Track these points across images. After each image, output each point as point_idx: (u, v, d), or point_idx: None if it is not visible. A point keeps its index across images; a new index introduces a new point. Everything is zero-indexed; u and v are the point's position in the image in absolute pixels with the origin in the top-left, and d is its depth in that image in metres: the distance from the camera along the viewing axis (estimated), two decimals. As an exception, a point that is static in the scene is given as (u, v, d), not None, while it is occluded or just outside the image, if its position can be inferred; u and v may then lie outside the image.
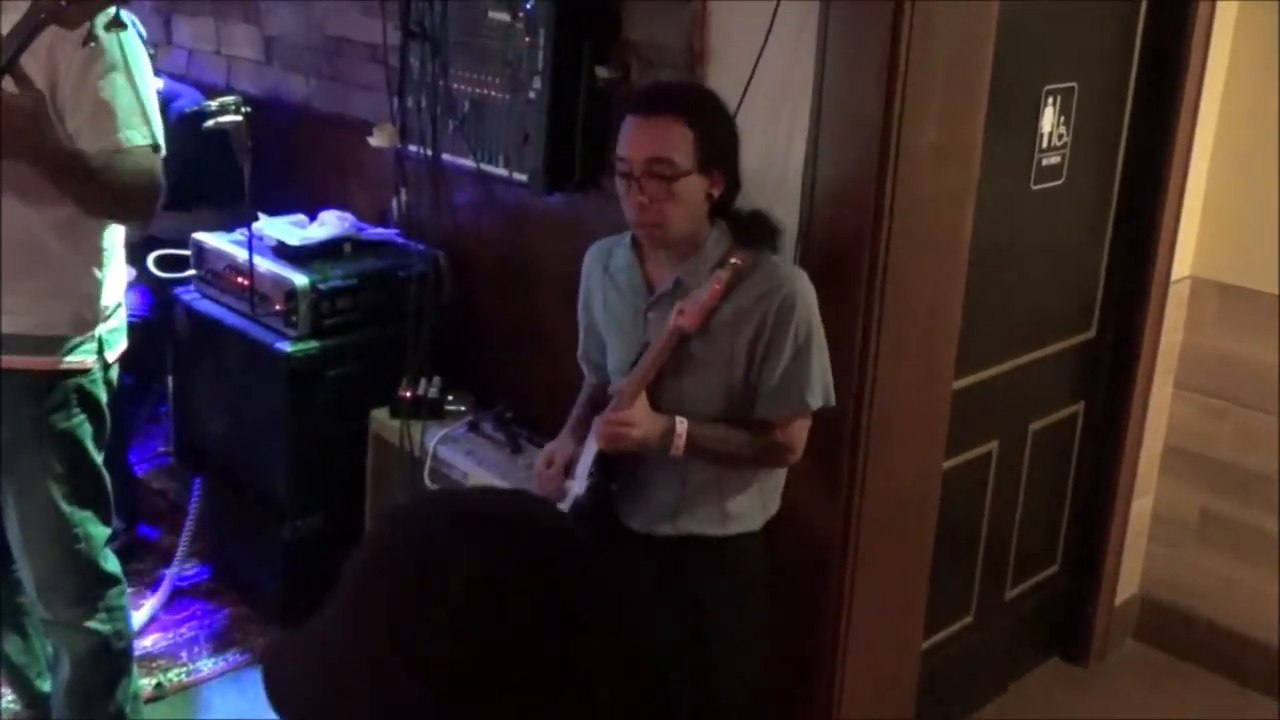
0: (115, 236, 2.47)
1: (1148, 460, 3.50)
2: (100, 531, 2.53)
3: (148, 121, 2.31)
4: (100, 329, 2.46)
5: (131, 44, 2.27)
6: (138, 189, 2.30)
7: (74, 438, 2.45)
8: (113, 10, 1.96)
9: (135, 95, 2.29)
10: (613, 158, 2.20)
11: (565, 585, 0.92)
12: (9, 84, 2.04)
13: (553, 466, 2.36)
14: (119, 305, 2.52)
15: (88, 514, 2.50)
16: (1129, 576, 3.61)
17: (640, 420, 2.17)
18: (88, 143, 2.22)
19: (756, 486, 2.32)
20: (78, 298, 2.41)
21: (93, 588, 2.54)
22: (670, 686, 1.07)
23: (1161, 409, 3.50)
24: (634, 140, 2.14)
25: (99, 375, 2.47)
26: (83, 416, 2.46)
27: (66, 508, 2.46)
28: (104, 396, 2.50)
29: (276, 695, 0.95)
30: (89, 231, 2.40)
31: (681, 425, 2.18)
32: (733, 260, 2.17)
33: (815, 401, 2.23)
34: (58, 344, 2.40)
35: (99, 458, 2.51)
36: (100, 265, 2.44)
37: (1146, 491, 3.57)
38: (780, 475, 2.37)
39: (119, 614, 2.61)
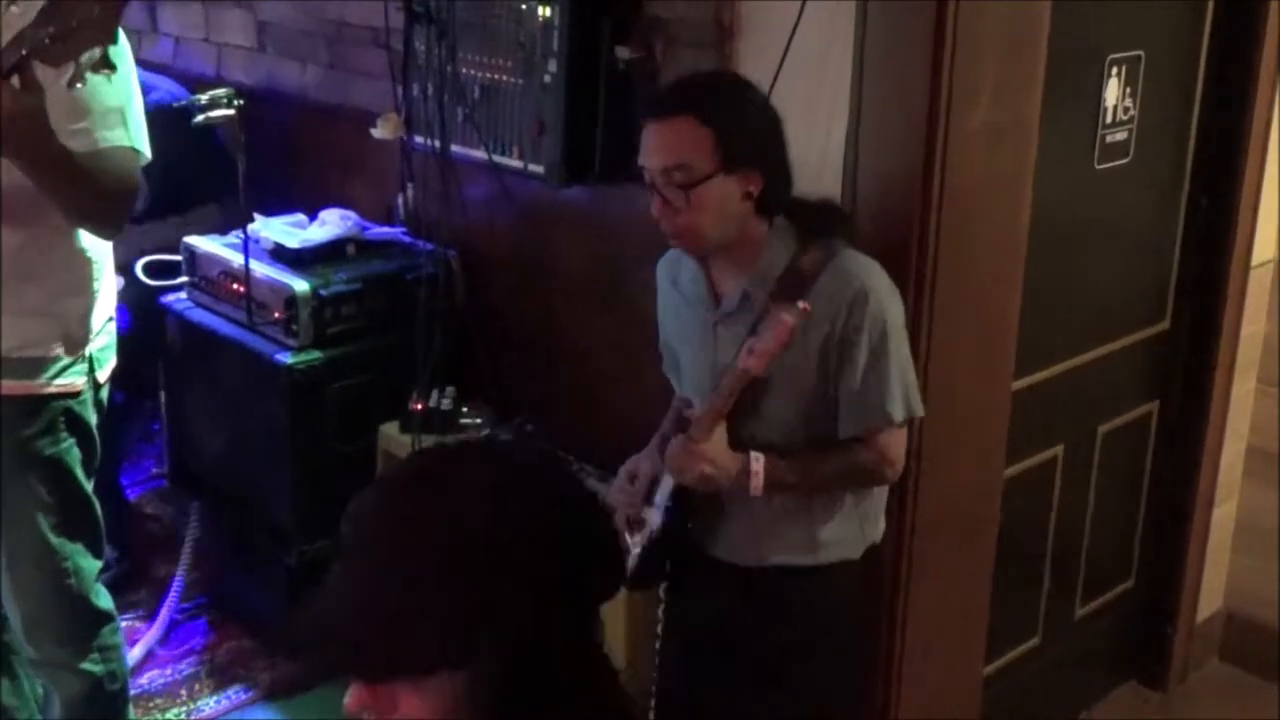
0: (105, 248, 2.49)
1: (1229, 463, 3.48)
2: (91, 565, 2.55)
3: (126, 124, 2.33)
4: (91, 347, 2.48)
5: (119, 47, 2.28)
6: (114, 192, 2.33)
7: (62, 465, 2.47)
8: (98, 51, 1.98)
9: (116, 94, 2.30)
10: (637, 141, 2.19)
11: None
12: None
13: (635, 483, 2.33)
14: (109, 320, 2.54)
15: (77, 546, 2.52)
16: (1211, 591, 3.58)
17: (714, 456, 2.15)
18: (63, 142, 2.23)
19: (852, 508, 2.27)
20: (66, 316, 2.43)
21: (84, 626, 2.56)
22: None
23: (1243, 407, 3.47)
24: (648, 147, 2.13)
25: (89, 397, 2.49)
26: (71, 441, 2.47)
27: (54, 540, 2.48)
28: (94, 419, 2.51)
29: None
30: (77, 245, 2.41)
31: (757, 463, 2.15)
32: (802, 305, 2.10)
33: (899, 414, 2.18)
34: (44, 365, 2.42)
35: (89, 486, 2.53)
36: (90, 280, 2.45)
37: (1228, 497, 3.54)
38: (881, 496, 2.33)
39: (113, 653, 2.62)
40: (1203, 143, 3.21)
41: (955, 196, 2.42)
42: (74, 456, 2.48)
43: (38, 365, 2.41)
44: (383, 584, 1.07)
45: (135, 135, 2.36)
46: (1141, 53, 2.95)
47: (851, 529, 2.29)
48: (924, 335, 2.47)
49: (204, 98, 3.21)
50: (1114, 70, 2.91)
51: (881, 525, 2.35)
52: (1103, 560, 3.37)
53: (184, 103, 3.30)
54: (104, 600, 2.60)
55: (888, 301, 2.16)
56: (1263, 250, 3.33)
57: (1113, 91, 2.93)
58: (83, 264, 2.45)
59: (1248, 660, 3.60)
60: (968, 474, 2.68)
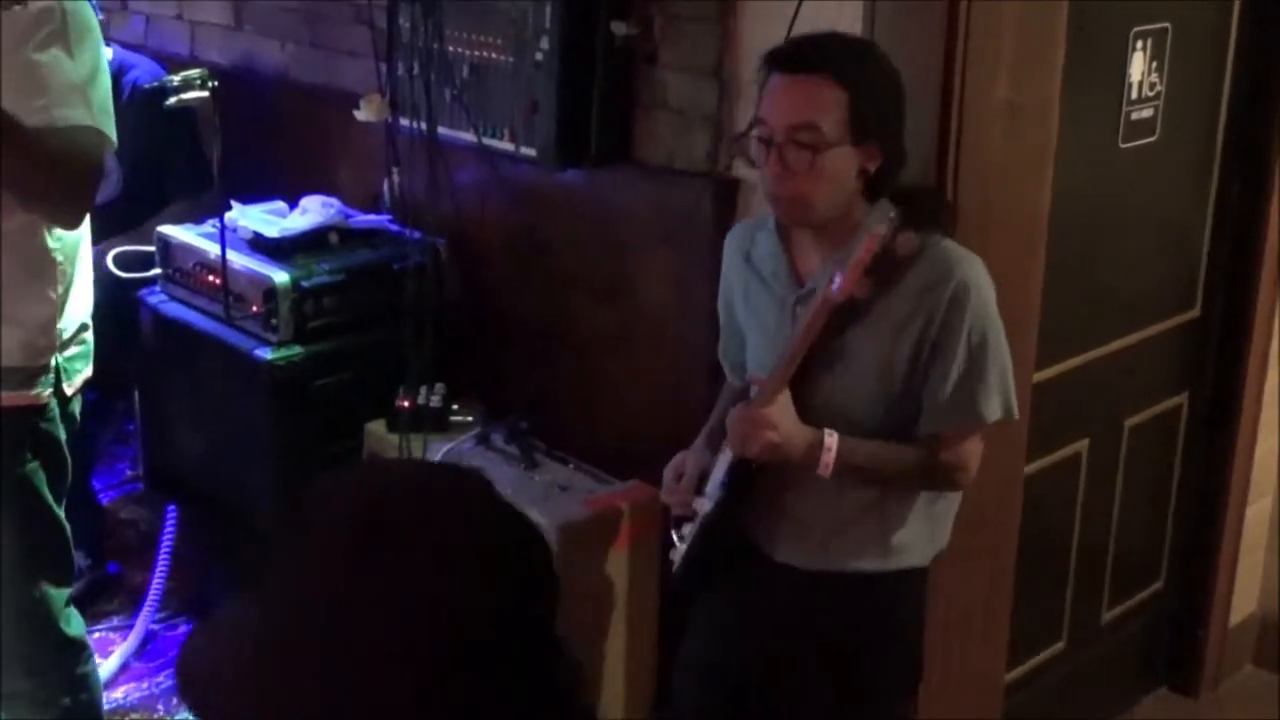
0: (78, 250, 2.47)
1: (1264, 458, 3.48)
2: (60, 593, 2.53)
3: (89, 103, 2.29)
4: (59, 356, 2.44)
5: (81, 15, 2.27)
6: (73, 176, 2.27)
7: (27, 486, 2.43)
8: None
9: (78, 72, 2.26)
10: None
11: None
12: None
13: (683, 480, 2.30)
14: (83, 327, 2.50)
15: (45, 573, 2.49)
16: (1245, 593, 3.59)
17: (781, 422, 2.10)
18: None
19: (925, 512, 2.26)
20: (29, 323, 2.39)
21: (53, 656, 2.54)
22: None
23: (1278, 399, 3.47)
24: (776, 102, 2.09)
25: (56, 413, 2.45)
26: (36, 463, 2.44)
27: (20, 568, 2.45)
28: (63, 435, 2.47)
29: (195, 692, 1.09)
30: (40, 243, 2.38)
31: (831, 438, 2.11)
32: (891, 215, 2.07)
33: (994, 414, 2.17)
34: (6, 377, 2.38)
35: (59, 508, 2.49)
36: (55, 284, 2.42)
37: (1264, 495, 3.54)
38: (954, 501, 2.31)
39: (83, 683, 2.60)
40: (1233, 120, 3.21)
41: (972, 177, 2.43)
42: (40, 478, 2.44)
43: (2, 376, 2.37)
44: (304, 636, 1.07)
45: (99, 116, 2.31)
46: (1168, 25, 2.95)
47: (922, 534, 2.27)
48: (940, 324, 2.46)
49: (177, 79, 3.20)
50: (1139, 44, 2.91)
51: (948, 533, 2.32)
52: (1130, 561, 3.38)
53: (156, 83, 3.30)
54: (75, 627, 2.58)
55: (989, 297, 2.15)
56: (1298, 232, 3.34)
57: (1138, 66, 2.93)
58: (48, 264, 2.40)
59: (1283, 665, 3.61)
60: (987, 471, 2.67)
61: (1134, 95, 2.94)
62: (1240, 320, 3.31)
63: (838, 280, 2.07)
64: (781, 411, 2.11)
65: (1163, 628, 3.52)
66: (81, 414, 2.60)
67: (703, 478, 2.28)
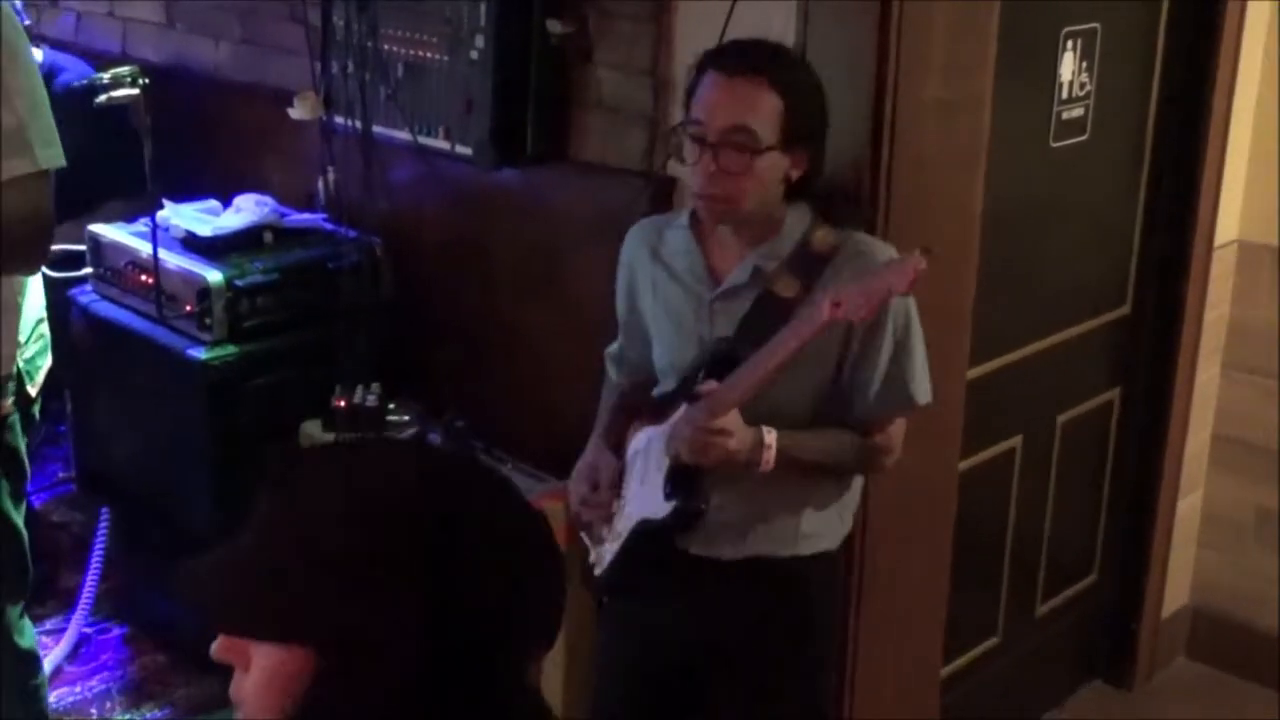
0: None
1: (1195, 452, 3.53)
2: (15, 605, 2.50)
3: (30, 145, 2.20)
4: (20, 360, 2.39)
5: (7, 39, 2.17)
6: (24, 233, 2.20)
7: None
8: None
9: (11, 112, 2.16)
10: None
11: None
12: None
13: (600, 490, 2.31)
14: (40, 321, 2.47)
15: (3, 587, 2.46)
16: (1177, 586, 3.63)
17: (737, 430, 2.12)
18: None
19: (836, 497, 2.31)
20: None
21: (6, 669, 2.51)
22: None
23: (1209, 393, 3.52)
24: (713, 101, 2.11)
25: (17, 420, 2.40)
26: None
27: None
28: (22, 443, 2.42)
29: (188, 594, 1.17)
30: None
31: (770, 436, 2.14)
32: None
33: (923, 396, 2.23)
34: None
35: (18, 515, 2.45)
36: (16, 294, 2.37)
37: (1194, 488, 3.59)
38: (858, 487, 2.36)
39: (35, 694, 2.57)
40: (1163, 119, 3.25)
41: (905, 175, 2.44)
42: (2, 488, 2.41)
43: None
44: (271, 542, 1.13)
45: (43, 153, 2.23)
46: (1098, 25, 2.98)
47: (832, 519, 2.32)
48: (873, 322, 2.48)
49: (106, 76, 3.17)
50: (1069, 44, 2.94)
51: (852, 517, 2.38)
52: (1064, 555, 3.41)
53: (86, 82, 3.26)
54: (27, 639, 2.55)
55: None
56: (1226, 230, 3.38)
57: (1068, 66, 2.96)
58: (11, 277, 2.35)
59: (1215, 657, 3.65)
60: (921, 467, 2.70)
61: (1065, 95, 2.97)
62: (1170, 317, 3.35)
63: (844, 309, 2.03)
64: (735, 419, 2.14)
65: (1097, 621, 3.56)
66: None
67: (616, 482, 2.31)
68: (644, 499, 2.26)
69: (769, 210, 2.17)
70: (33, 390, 2.44)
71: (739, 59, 2.14)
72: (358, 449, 1.25)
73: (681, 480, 2.22)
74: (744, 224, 2.19)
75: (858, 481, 2.36)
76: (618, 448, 2.35)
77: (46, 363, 2.50)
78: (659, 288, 2.31)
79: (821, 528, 2.30)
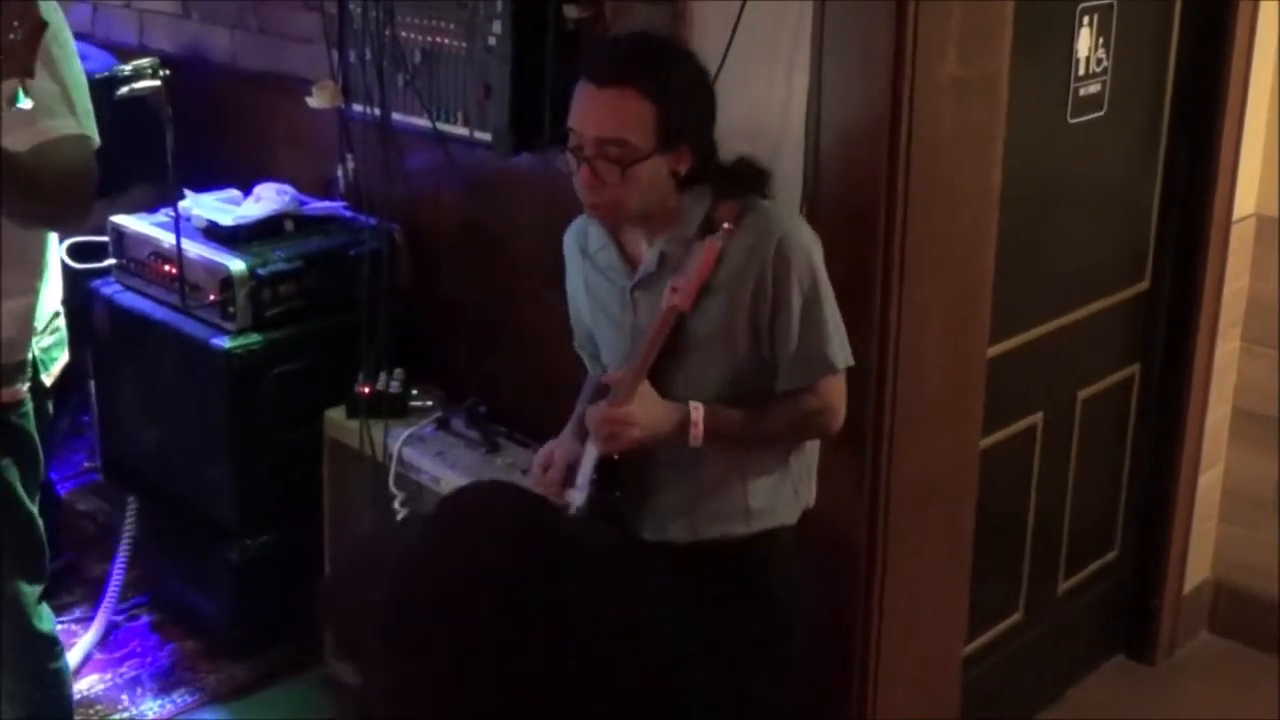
0: (50, 238, 2.44)
1: (1215, 427, 3.52)
2: (32, 590, 2.51)
3: (74, 108, 2.26)
4: (36, 348, 2.41)
5: (54, 25, 2.20)
6: (70, 187, 2.25)
7: (2, 483, 2.41)
8: (15, 84, 1.90)
9: (59, 81, 2.23)
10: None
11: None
12: None
13: (551, 470, 2.33)
14: (56, 314, 2.48)
15: (17, 570, 2.47)
16: (1199, 561, 3.63)
17: (641, 416, 2.16)
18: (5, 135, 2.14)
19: (782, 471, 2.31)
20: (6, 318, 2.35)
21: (24, 652, 2.52)
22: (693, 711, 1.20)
23: (1228, 367, 3.52)
24: (585, 114, 2.14)
25: (30, 406, 2.42)
26: (9, 459, 2.41)
27: None
28: (34, 428, 2.44)
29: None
30: (22, 238, 2.34)
31: (696, 411, 2.17)
32: (725, 225, 2.17)
33: (839, 358, 2.23)
34: None
35: (32, 504, 2.47)
36: (39, 275, 2.39)
37: (1215, 463, 3.59)
38: (812, 456, 2.37)
39: (55, 678, 2.59)
40: (1179, 94, 3.24)
41: (923, 153, 2.44)
42: (13, 474, 2.42)
43: None
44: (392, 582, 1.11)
45: (84, 121, 2.29)
46: (1113, 1, 2.98)
47: (786, 493, 2.33)
48: (894, 300, 2.49)
49: (128, 68, 3.19)
50: (1085, 19, 2.93)
51: (814, 488, 2.38)
52: (1085, 532, 3.41)
53: (108, 73, 3.28)
54: (46, 623, 2.56)
55: (812, 247, 2.21)
56: (1243, 204, 3.37)
57: (1084, 42, 2.95)
58: (30, 256, 2.36)
59: (1237, 631, 3.65)
60: (943, 445, 2.71)
61: (1081, 71, 2.97)
62: (1189, 292, 3.35)
63: (681, 294, 2.15)
64: (643, 404, 2.17)
65: (1118, 597, 3.56)
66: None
67: (571, 468, 2.32)
68: (581, 491, 2.29)
69: (663, 204, 2.19)
70: (47, 380, 2.46)
71: (608, 67, 2.16)
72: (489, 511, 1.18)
73: (604, 469, 2.26)
74: (643, 219, 2.22)
75: (809, 453, 2.36)
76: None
77: (63, 356, 2.51)
78: (590, 283, 2.36)
79: (773, 502, 2.31)
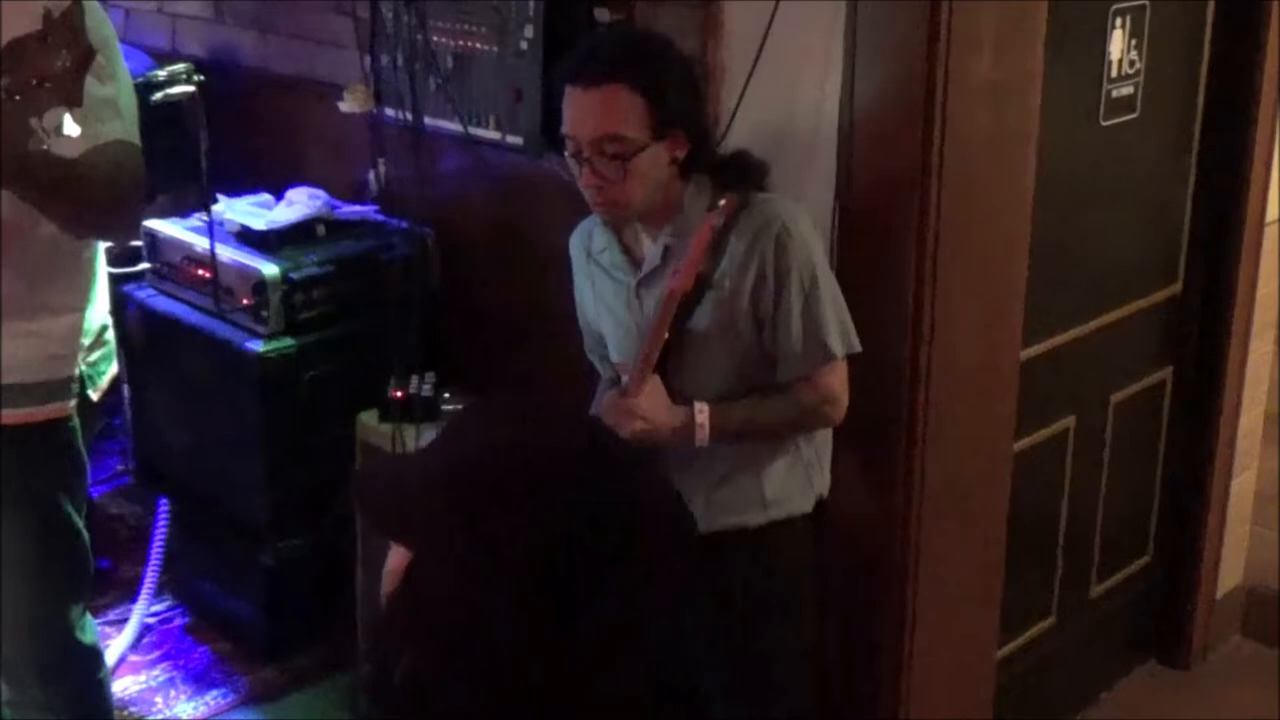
0: (99, 250, 2.44)
1: (1248, 430, 3.51)
2: (77, 602, 2.51)
3: (121, 116, 2.25)
4: (83, 364, 2.40)
5: (102, 33, 2.19)
6: (121, 193, 2.23)
7: (49, 500, 2.40)
8: (64, 114, 1.87)
9: (107, 88, 2.21)
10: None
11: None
12: None
13: None
14: (105, 327, 2.47)
15: (63, 583, 2.47)
16: (1232, 565, 3.62)
17: (649, 410, 2.20)
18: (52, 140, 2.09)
19: (795, 458, 2.33)
20: (54, 334, 2.34)
21: (67, 665, 2.52)
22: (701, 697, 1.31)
23: (1261, 370, 3.50)
24: (577, 117, 2.18)
25: (78, 422, 2.41)
26: (56, 474, 2.41)
27: (39, 577, 2.42)
28: (83, 449, 2.43)
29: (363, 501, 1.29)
30: (73, 251, 2.33)
31: (702, 413, 2.20)
32: (722, 202, 2.21)
33: (839, 347, 2.25)
34: (28, 392, 2.33)
35: (79, 517, 2.46)
36: (87, 290, 2.38)
37: (1248, 466, 3.57)
38: (825, 443, 2.39)
39: (98, 690, 2.59)
40: (1212, 97, 3.23)
41: (956, 155, 2.44)
42: (62, 496, 2.42)
43: (21, 392, 2.31)
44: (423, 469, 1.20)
45: (130, 128, 2.28)
46: (1146, 2, 2.97)
47: (799, 481, 2.35)
48: (927, 302, 2.49)
49: (163, 73, 3.20)
50: (1118, 21, 2.93)
51: (828, 476, 2.40)
52: (1118, 535, 3.40)
53: (142, 77, 3.29)
54: (89, 635, 2.56)
55: (811, 238, 2.25)
56: (1276, 207, 3.36)
57: (1117, 44, 2.95)
58: (78, 270, 2.36)
59: (1270, 635, 3.63)
60: (976, 448, 2.71)
61: (1114, 73, 2.96)
62: (1222, 295, 3.33)
63: (680, 275, 2.18)
64: (650, 398, 2.20)
65: (1151, 601, 3.54)
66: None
67: None
68: None
69: (665, 195, 2.23)
70: (94, 395, 2.44)
71: (592, 68, 2.19)
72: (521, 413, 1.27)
73: None
74: (647, 212, 2.25)
75: (822, 441, 2.37)
76: None
77: (111, 369, 2.50)
78: (597, 285, 2.39)
79: (788, 491, 2.33)
